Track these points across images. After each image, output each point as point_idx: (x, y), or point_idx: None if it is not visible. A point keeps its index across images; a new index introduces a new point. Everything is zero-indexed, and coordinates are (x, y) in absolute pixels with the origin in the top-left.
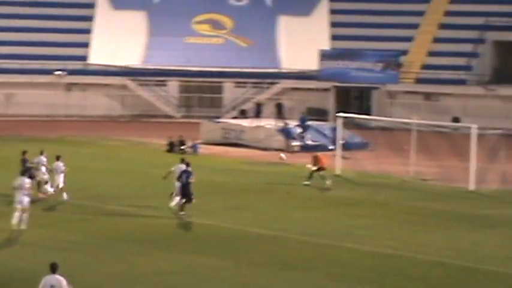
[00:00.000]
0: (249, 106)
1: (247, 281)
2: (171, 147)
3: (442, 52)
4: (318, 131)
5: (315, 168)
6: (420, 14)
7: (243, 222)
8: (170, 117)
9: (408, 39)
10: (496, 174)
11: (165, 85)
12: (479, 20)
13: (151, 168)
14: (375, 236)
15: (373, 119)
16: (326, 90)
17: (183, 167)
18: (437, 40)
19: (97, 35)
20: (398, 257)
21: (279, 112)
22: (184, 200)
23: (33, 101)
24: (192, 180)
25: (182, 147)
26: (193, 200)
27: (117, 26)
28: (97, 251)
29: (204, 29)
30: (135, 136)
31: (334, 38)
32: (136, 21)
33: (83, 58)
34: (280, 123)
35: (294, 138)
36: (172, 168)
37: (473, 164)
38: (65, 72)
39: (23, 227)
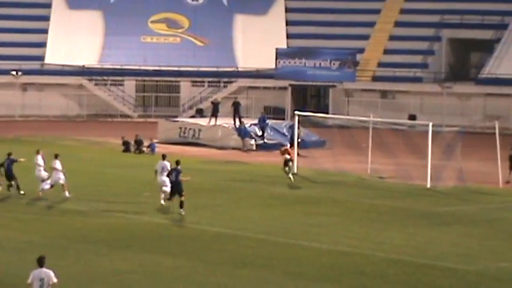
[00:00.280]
0: (206, 105)
1: (204, 279)
2: (127, 147)
3: (398, 50)
4: (275, 129)
5: (288, 157)
6: (376, 12)
7: (200, 221)
8: (127, 116)
9: (364, 37)
10: (452, 171)
11: (121, 84)
12: (434, 18)
13: (108, 168)
14: (332, 234)
15: (330, 117)
16: (283, 88)
17: (166, 163)
18: (393, 38)
19: (53, 35)
20: (356, 255)
21: (236, 111)
22: (176, 197)
23: None
24: (182, 178)
25: (139, 148)
26: (183, 198)
27: (73, 25)
28: (54, 251)
29: (161, 28)
30: (92, 136)
31: (291, 36)
32: (92, 21)
33: (39, 58)
34: (237, 122)
35: (250, 137)
36: (156, 167)
37: (429, 161)
38: (20, 72)
39: None
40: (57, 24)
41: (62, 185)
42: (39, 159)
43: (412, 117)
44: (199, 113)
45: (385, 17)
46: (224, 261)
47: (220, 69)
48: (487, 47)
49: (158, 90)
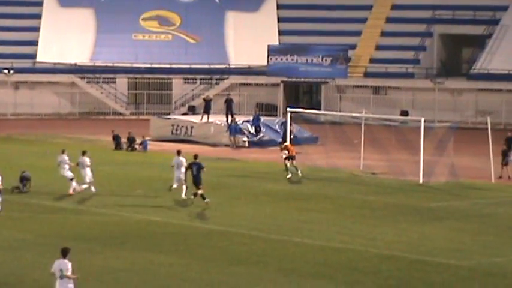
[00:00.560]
0: (198, 102)
1: (197, 276)
2: (118, 142)
3: (390, 46)
4: (268, 126)
5: (284, 155)
6: (368, 8)
7: (192, 219)
8: (119, 114)
9: (356, 33)
10: (444, 167)
11: (113, 82)
12: (426, 14)
13: (100, 166)
14: (324, 230)
15: (322, 113)
16: (275, 85)
17: (182, 159)
18: (385, 34)
19: (45, 33)
20: (348, 251)
21: (229, 107)
22: (196, 188)
23: None
24: (203, 171)
25: (131, 145)
26: (201, 190)
27: (64, 23)
28: (47, 249)
29: (152, 25)
30: (84, 134)
31: (283, 33)
32: (83, 19)
33: (31, 56)
34: (229, 119)
35: (243, 134)
36: (172, 163)
37: (422, 157)
38: (12, 71)
39: None
40: (49, 22)
41: (89, 182)
42: (65, 158)
43: (404, 113)
44: (192, 110)
45: (376, 13)
46: (217, 258)
47: (212, 66)
48: (479, 43)
49: (150, 87)
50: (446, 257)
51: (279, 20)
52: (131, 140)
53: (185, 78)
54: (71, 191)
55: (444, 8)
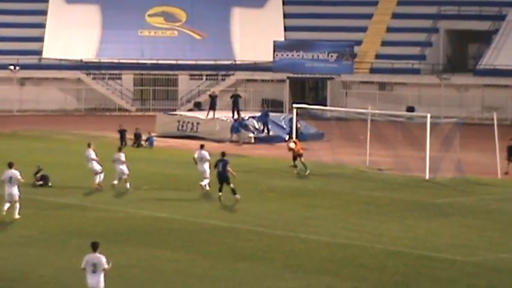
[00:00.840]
0: (204, 98)
1: (203, 273)
2: (122, 136)
3: (396, 42)
4: (274, 122)
5: (292, 146)
6: (373, 3)
7: (198, 215)
8: (125, 110)
9: (362, 29)
10: (450, 163)
11: (119, 78)
12: (432, 9)
13: (106, 162)
14: (330, 226)
15: (328, 109)
16: (281, 81)
17: (205, 152)
18: (390, 30)
19: (50, 29)
20: (354, 247)
21: (235, 103)
22: (224, 185)
23: None
24: (230, 171)
25: (137, 141)
26: (232, 185)
27: (70, 19)
28: (52, 245)
29: (158, 21)
30: (90, 130)
31: (288, 29)
32: (89, 15)
33: (37, 52)
34: (235, 115)
35: (249, 130)
36: (195, 156)
37: (428, 153)
38: (18, 67)
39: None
40: (55, 18)
41: (125, 178)
42: (92, 153)
43: (410, 109)
44: (197, 106)
45: (382, 9)
46: (223, 255)
47: (218, 63)
48: (485, 38)
49: (156, 83)
50: (453, 253)
51: (285, 15)
52: (137, 136)
53: (191, 75)
54: (96, 185)
55: (450, 3)
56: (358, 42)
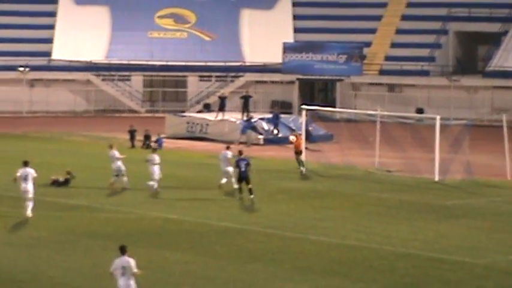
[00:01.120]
0: (213, 100)
1: (213, 274)
2: (132, 137)
3: (405, 43)
4: (283, 123)
5: (291, 139)
6: (383, 5)
7: (208, 216)
8: (134, 111)
9: (371, 31)
10: (460, 164)
11: (129, 80)
12: (441, 11)
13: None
14: (340, 228)
15: (338, 111)
16: (290, 83)
17: (228, 153)
18: (400, 31)
19: (60, 31)
20: (364, 249)
21: (245, 104)
22: (243, 184)
23: None
24: (250, 167)
25: (146, 143)
26: (250, 185)
27: (80, 21)
28: (62, 247)
29: (167, 23)
30: (100, 131)
31: (298, 30)
32: (99, 16)
33: (46, 54)
34: (245, 116)
35: (258, 132)
36: (220, 157)
37: (437, 154)
38: (28, 68)
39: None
40: (64, 20)
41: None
42: (116, 153)
43: (420, 111)
44: (207, 107)
45: (391, 11)
46: (233, 256)
47: (227, 64)
48: (494, 40)
49: (165, 85)
50: (462, 255)
51: (294, 17)
52: (147, 138)
53: (200, 76)
54: (112, 183)
55: (459, 5)
56: (368, 44)
